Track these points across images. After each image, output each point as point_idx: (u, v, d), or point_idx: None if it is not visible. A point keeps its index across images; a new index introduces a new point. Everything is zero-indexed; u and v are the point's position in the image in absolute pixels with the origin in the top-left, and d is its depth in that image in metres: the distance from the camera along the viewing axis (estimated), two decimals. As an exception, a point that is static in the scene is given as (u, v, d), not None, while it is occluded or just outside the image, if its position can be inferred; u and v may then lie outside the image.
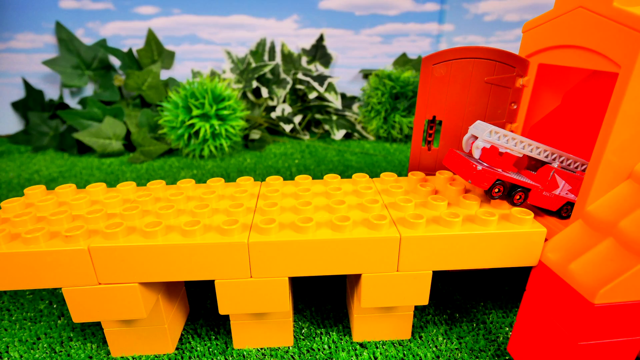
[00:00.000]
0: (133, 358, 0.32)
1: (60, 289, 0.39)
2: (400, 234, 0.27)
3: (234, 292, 0.29)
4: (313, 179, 0.69)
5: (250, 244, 0.27)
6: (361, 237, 0.27)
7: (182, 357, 0.32)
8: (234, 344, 0.32)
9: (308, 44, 1.04)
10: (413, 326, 0.35)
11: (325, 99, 0.98)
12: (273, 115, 0.95)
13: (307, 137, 0.96)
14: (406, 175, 0.39)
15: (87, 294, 0.28)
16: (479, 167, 0.28)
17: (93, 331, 0.34)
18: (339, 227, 0.28)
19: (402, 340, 0.33)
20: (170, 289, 0.33)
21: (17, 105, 0.97)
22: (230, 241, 0.27)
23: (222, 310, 0.30)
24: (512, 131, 0.34)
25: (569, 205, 0.30)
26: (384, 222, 0.28)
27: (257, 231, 0.28)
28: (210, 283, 0.41)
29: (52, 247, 0.26)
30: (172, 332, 0.32)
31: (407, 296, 0.30)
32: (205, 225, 0.28)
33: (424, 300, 0.30)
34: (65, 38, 0.93)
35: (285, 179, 0.70)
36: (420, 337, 0.33)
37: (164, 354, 0.32)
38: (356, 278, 0.31)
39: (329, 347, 0.32)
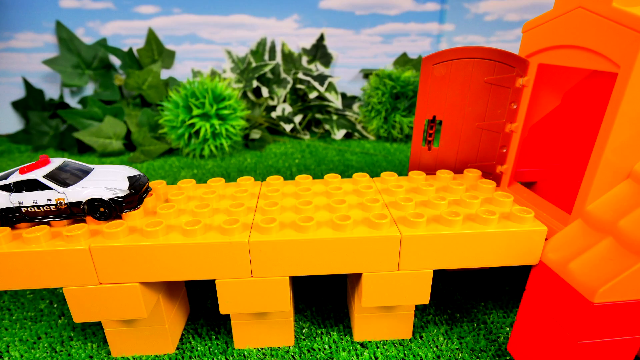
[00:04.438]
0: (133, 358, 0.32)
1: (61, 288, 0.39)
2: (400, 232, 0.27)
3: (235, 291, 0.29)
4: (313, 178, 0.69)
5: (250, 243, 0.27)
6: (362, 236, 0.27)
7: (182, 357, 0.32)
8: (235, 344, 0.32)
9: (308, 43, 1.04)
10: (414, 326, 0.35)
11: (325, 99, 0.98)
12: (273, 114, 0.95)
13: (307, 136, 0.96)
14: (406, 175, 0.39)
15: (88, 294, 0.28)
16: None
17: (94, 331, 0.34)
18: (340, 226, 0.28)
19: (403, 340, 0.33)
20: (171, 288, 0.33)
21: (17, 105, 0.97)
22: (231, 240, 0.27)
23: (222, 310, 0.30)
24: (512, 131, 0.34)
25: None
26: (384, 221, 0.28)
27: (258, 230, 0.28)
28: (211, 283, 0.41)
29: (53, 247, 0.26)
30: (172, 332, 0.33)
31: (408, 295, 0.30)
32: (205, 224, 0.29)
33: (425, 300, 0.30)
34: (65, 37, 0.93)
35: (285, 178, 0.70)
36: (421, 337, 0.33)
37: (165, 354, 0.32)
38: (357, 277, 0.31)
39: (330, 347, 0.32)
